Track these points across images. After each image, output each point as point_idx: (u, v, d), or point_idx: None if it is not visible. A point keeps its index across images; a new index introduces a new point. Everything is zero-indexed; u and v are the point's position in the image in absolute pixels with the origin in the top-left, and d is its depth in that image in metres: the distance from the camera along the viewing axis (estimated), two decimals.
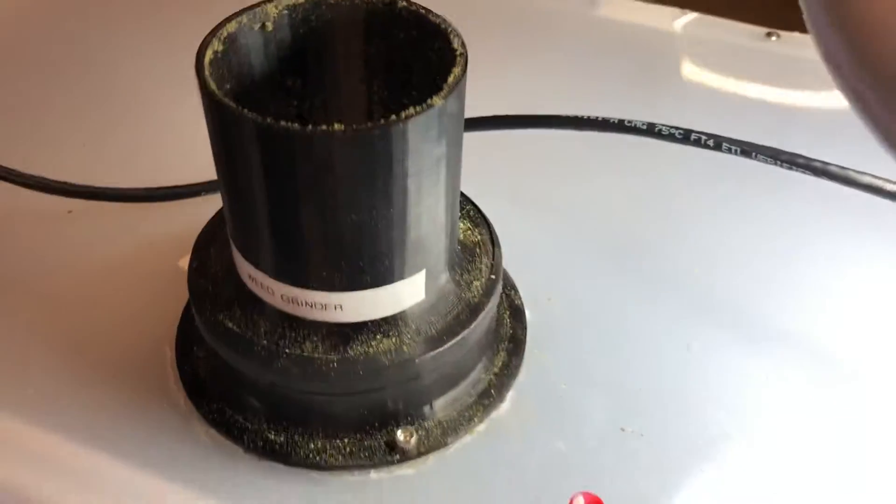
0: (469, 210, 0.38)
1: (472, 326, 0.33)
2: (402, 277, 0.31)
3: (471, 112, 0.32)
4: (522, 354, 0.38)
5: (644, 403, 0.36)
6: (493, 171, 0.46)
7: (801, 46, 0.58)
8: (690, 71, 0.58)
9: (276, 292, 0.31)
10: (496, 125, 0.45)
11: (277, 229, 0.29)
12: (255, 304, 0.32)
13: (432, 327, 0.32)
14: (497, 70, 0.55)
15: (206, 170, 0.37)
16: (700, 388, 0.37)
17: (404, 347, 0.32)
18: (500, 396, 0.36)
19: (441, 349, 0.32)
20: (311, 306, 0.31)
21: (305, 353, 0.31)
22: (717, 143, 0.39)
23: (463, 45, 0.29)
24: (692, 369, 0.37)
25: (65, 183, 0.43)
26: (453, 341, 0.32)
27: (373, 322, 0.32)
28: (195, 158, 0.40)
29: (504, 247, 0.36)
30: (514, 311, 0.40)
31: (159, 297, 0.39)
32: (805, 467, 0.34)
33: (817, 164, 0.37)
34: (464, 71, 0.28)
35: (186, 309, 0.39)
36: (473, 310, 0.33)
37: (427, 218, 0.30)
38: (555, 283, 0.41)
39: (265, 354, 0.31)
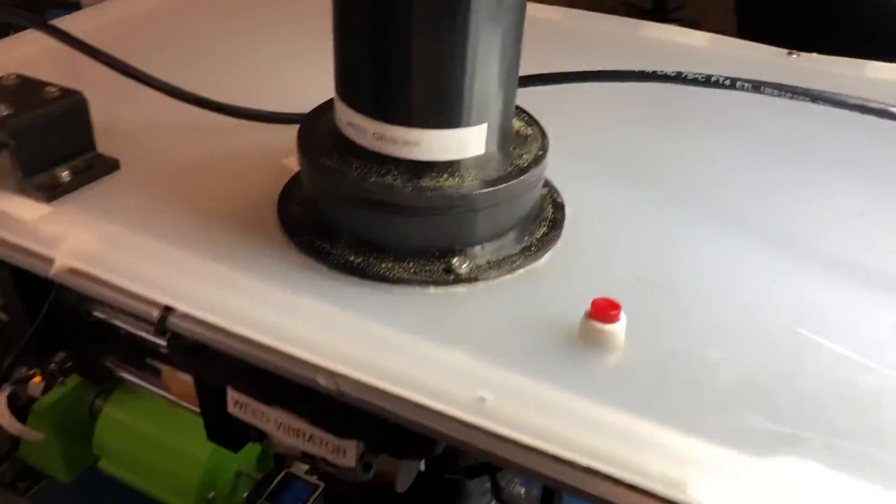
0: (525, 115, 0.46)
1: (521, 179, 0.41)
2: (468, 124, 0.39)
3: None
4: (560, 231, 0.45)
5: (658, 269, 0.43)
6: (554, 121, 0.54)
7: (818, 62, 0.67)
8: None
9: (369, 131, 0.40)
10: (555, 80, 0.55)
11: (374, 68, 0.38)
12: (349, 147, 0.41)
13: (488, 175, 0.41)
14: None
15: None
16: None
17: (464, 184, 0.40)
18: (538, 254, 0.43)
19: (493, 189, 0.40)
20: (394, 142, 0.39)
21: (387, 182, 0.40)
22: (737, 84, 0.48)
23: None
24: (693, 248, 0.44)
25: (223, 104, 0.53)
26: (503, 185, 0.40)
27: (441, 163, 0.40)
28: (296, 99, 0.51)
29: (555, 176, 0.45)
30: (557, 206, 0.47)
31: (268, 180, 0.49)
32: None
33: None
34: None
35: (285, 186, 0.48)
36: (522, 171, 0.42)
37: (490, 74, 0.38)
38: (592, 199, 0.49)
39: (355, 183, 0.40)
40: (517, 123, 0.45)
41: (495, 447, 0.34)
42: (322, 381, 0.37)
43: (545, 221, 0.46)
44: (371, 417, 0.37)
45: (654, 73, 0.51)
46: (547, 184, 0.49)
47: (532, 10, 0.41)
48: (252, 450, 0.69)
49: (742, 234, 0.47)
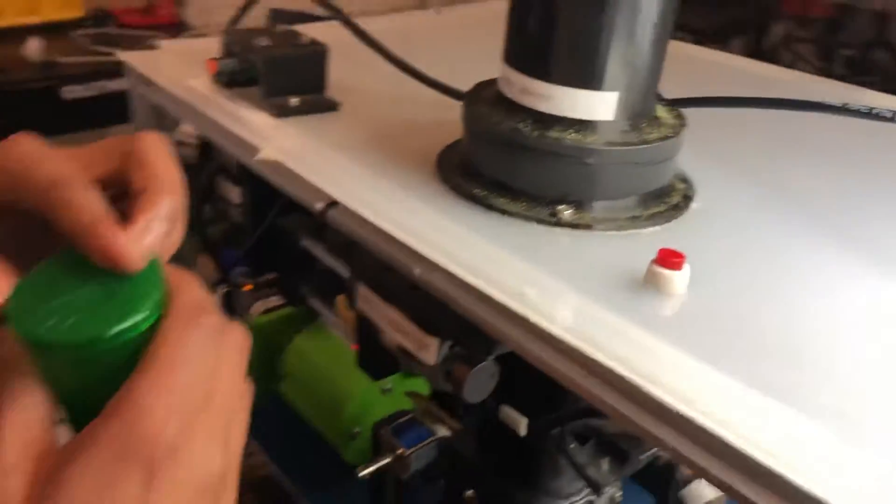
0: (674, 110, 0.51)
1: (637, 149, 0.45)
2: (598, 89, 0.45)
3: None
4: (678, 215, 0.48)
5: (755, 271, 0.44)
6: (705, 139, 0.58)
7: None
8: None
9: (515, 85, 0.47)
10: (709, 104, 0.58)
11: (527, 30, 0.45)
12: (500, 101, 0.48)
13: (608, 139, 0.45)
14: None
15: None
16: None
17: (584, 141, 0.45)
18: (645, 225, 0.47)
19: (606, 149, 0.45)
20: (531, 94, 0.46)
21: (518, 126, 0.46)
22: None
23: None
24: None
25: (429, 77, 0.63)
26: (616, 149, 0.45)
27: (570, 119, 0.46)
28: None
29: (696, 177, 0.49)
30: (685, 197, 0.50)
31: (446, 140, 0.57)
32: None
33: None
34: None
35: (451, 144, 0.56)
36: (642, 143, 0.46)
37: (628, 49, 0.44)
38: (720, 202, 0.52)
39: (493, 125, 0.47)
40: (661, 111, 0.49)
41: (558, 361, 0.38)
42: (417, 271, 0.44)
43: (667, 204, 0.49)
44: (454, 319, 0.43)
45: (818, 103, 0.52)
46: (685, 179, 0.52)
47: None
48: (398, 401, 0.76)
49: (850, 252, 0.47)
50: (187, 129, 0.74)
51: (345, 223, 0.49)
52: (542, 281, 0.41)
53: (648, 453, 0.61)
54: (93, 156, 0.30)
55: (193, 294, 0.28)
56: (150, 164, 0.29)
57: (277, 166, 0.53)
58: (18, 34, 2.18)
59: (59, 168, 0.28)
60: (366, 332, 0.60)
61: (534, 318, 0.38)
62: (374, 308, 0.51)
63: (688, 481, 0.61)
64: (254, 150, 0.54)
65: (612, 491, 0.61)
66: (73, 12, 2.40)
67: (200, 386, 0.26)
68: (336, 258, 0.67)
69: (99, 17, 2.45)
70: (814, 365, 0.37)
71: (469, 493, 0.64)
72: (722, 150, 0.60)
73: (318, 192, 0.50)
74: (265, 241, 0.73)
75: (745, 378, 0.35)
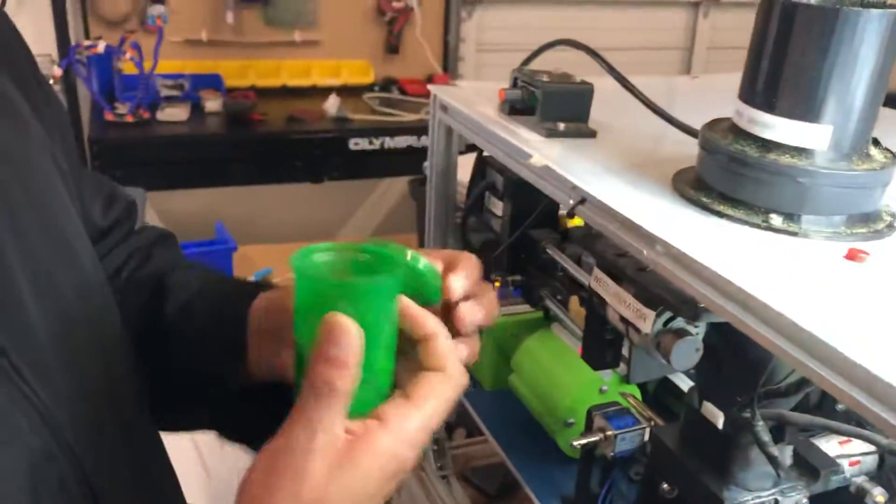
0: (888, 151, 0.59)
1: (839, 174, 0.54)
2: (814, 122, 0.55)
3: None
4: (879, 240, 0.56)
5: None
6: None
7: None
8: None
9: (745, 115, 0.58)
10: None
11: (759, 70, 0.56)
12: (732, 129, 0.59)
13: (820, 164, 0.55)
14: None
15: None
16: None
17: (800, 163, 0.55)
18: (846, 239, 0.55)
19: (814, 169, 0.54)
20: (756, 123, 0.57)
21: (743, 148, 0.57)
22: None
23: None
24: None
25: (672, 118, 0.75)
26: (823, 172, 0.54)
27: (788, 146, 0.56)
28: None
29: None
30: (889, 226, 0.58)
31: (671, 166, 0.68)
32: None
33: None
34: None
35: (680, 170, 0.67)
36: (847, 171, 0.55)
37: (844, 92, 0.53)
38: None
39: (723, 146, 0.58)
40: (874, 151, 0.58)
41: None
42: (646, 251, 0.56)
43: (870, 228, 0.57)
44: (671, 295, 0.55)
45: None
46: (891, 214, 0.59)
47: None
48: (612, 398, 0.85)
49: None
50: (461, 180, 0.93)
51: (592, 216, 0.62)
52: (750, 264, 0.51)
53: (839, 476, 0.67)
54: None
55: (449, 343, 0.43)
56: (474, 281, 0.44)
57: (544, 168, 0.67)
58: (322, 92, 2.57)
59: None
60: (592, 326, 0.73)
61: (748, 291, 0.48)
62: (604, 287, 0.63)
63: None
64: (526, 156, 0.69)
65: (799, 497, 0.67)
66: (366, 78, 2.78)
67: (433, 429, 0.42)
68: (573, 264, 0.79)
69: (386, 84, 2.81)
70: None
71: (665, 485, 0.72)
72: None
73: (575, 189, 0.64)
74: (517, 249, 0.87)
75: None
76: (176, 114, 2.43)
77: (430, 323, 0.43)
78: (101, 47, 2.46)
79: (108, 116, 2.31)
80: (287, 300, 0.49)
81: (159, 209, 2.28)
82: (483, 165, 0.90)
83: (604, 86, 0.77)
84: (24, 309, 0.43)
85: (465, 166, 0.95)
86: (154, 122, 2.40)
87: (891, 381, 0.41)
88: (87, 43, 2.38)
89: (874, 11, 0.51)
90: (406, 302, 0.43)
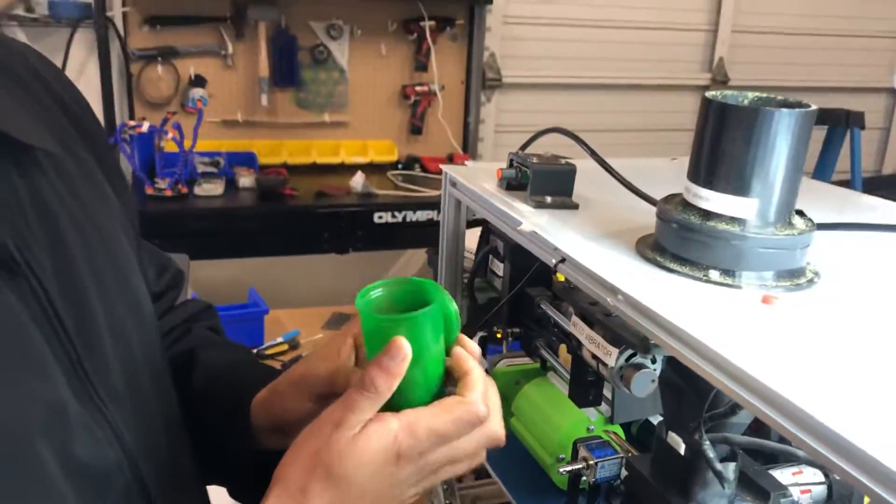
0: (809, 221, 0.72)
1: (767, 238, 0.67)
2: (743, 196, 0.68)
3: None
4: (800, 291, 0.69)
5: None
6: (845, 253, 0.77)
7: None
8: None
9: (690, 190, 0.72)
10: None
11: (700, 155, 0.70)
12: (680, 201, 0.73)
13: (747, 230, 0.68)
14: None
15: None
16: None
17: (733, 229, 0.68)
18: (771, 290, 0.68)
19: (749, 234, 0.68)
20: (698, 197, 0.70)
21: (688, 217, 0.70)
22: None
23: None
24: None
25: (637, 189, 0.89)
26: (755, 235, 0.67)
27: (723, 215, 0.69)
28: None
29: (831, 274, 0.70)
30: (809, 281, 0.71)
31: (637, 233, 0.82)
32: None
33: None
34: None
35: (643, 236, 0.80)
36: (770, 235, 0.68)
37: (767, 174, 0.67)
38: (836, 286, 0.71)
39: (671, 215, 0.72)
40: (797, 219, 0.71)
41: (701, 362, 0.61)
42: (610, 300, 0.69)
43: (793, 282, 0.70)
44: (631, 335, 0.68)
45: None
46: (817, 272, 0.72)
47: None
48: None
49: None
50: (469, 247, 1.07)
51: (570, 272, 0.75)
52: (691, 310, 0.64)
53: (788, 499, 0.78)
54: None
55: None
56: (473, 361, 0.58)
57: (532, 234, 0.81)
58: (349, 169, 2.76)
59: None
60: (576, 368, 0.85)
61: (688, 332, 0.61)
62: (580, 331, 0.76)
63: None
64: (518, 224, 0.83)
65: None
66: (390, 156, 2.97)
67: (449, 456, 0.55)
68: (560, 313, 0.92)
69: (409, 162, 2.99)
70: None
71: None
72: (855, 264, 0.79)
73: (556, 251, 0.78)
74: (515, 305, 1.00)
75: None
76: (212, 189, 2.61)
77: (469, 362, 0.56)
78: (145, 127, 2.67)
79: (149, 191, 2.49)
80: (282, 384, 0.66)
81: (196, 276, 2.44)
82: (487, 233, 1.04)
83: (593, 165, 0.92)
84: (104, 352, 0.55)
85: (471, 238, 1.09)
86: (191, 197, 2.58)
87: (790, 398, 0.53)
88: (132, 123, 2.59)
89: (785, 111, 0.66)
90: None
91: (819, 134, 2.53)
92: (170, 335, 0.75)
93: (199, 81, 2.88)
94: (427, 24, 2.98)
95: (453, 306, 0.57)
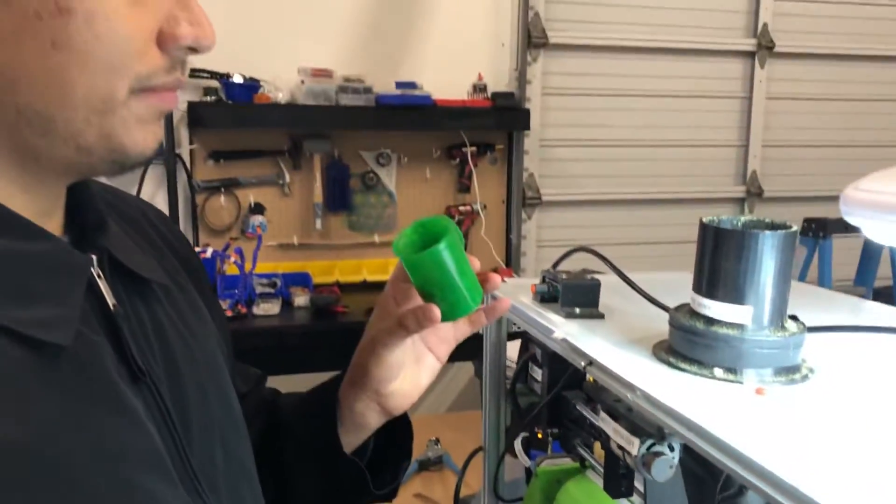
0: (800, 323, 0.83)
1: (761, 339, 0.79)
2: (738, 303, 0.80)
3: None
4: (793, 385, 0.80)
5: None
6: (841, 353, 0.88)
7: None
8: None
9: (696, 300, 0.84)
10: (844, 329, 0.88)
11: (701, 269, 0.83)
12: (689, 310, 0.85)
13: (744, 334, 0.80)
14: None
15: None
16: None
17: (732, 333, 0.80)
18: (770, 384, 0.79)
19: (746, 337, 0.79)
20: (700, 305, 0.82)
21: (694, 323, 0.82)
22: None
23: None
24: None
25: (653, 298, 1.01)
26: (751, 338, 0.79)
27: (724, 321, 0.81)
28: None
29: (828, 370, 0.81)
30: (804, 377, 0.81)
31: (656, 339, 0.93)
32: None
33: None
34: None
35: (658, 341, 0.92)
36: (763, 337, 0.79)
37: (758, 284, 0.79)
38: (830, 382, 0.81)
39: (680, 321, 0.84)
40: (790, 323, 0.82)
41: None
42: (630, 396, 0.80)
43: (788, 378, 0.80)
44: (652, 427, 0.79)
45: None
46: (812, 369, 0.83)
47: None
48: None
49: None
50: (510, 356, 1.20)
51: (597, 373, 0.87)
52: (699, 402, 0.76)
53: None
54: None
55: None
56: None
57: (563, 341, 0.93)
58: (378, 287, 2.91)
59: None
60: (608, 461, 0.96)
61: (696, 422, 0.72)
62: (607, 425, 0.87)
63: None
64: (551, 332, 0.96)
65: None
66: None
67: None
68: (592, 412, 1.03)
69: None
70: None
71: None
72: (847, 361, 0.89)
73: (584, 356, 0.90)
74: (554, 407, 1.11)
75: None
76: (269, 308, 2.78)
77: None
78: (209, 253, 2.88)
79: None
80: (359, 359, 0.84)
81: None
82: (526, 342, 1.16)
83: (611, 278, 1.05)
84: (206, 454, 0.68)
85: (512, 348, 1.22)
86: (250, 316, 2.75)
87: (787, 479, 0.63)
88: (196, 249, 2.79)
89: (769, 232, 0.78)
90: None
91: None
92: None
93: (258, 209, 3.10)
94: (469, 150, 3.19)
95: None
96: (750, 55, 3.67)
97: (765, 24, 3.64)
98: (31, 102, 0.56)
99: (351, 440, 0.85)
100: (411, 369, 0.84)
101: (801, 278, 2.94)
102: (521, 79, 3.28)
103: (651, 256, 3.49)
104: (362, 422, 0.84)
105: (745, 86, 3.70)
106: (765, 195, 3.75)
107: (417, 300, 0.80)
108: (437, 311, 0.75)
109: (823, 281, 2.85)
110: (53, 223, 0.64)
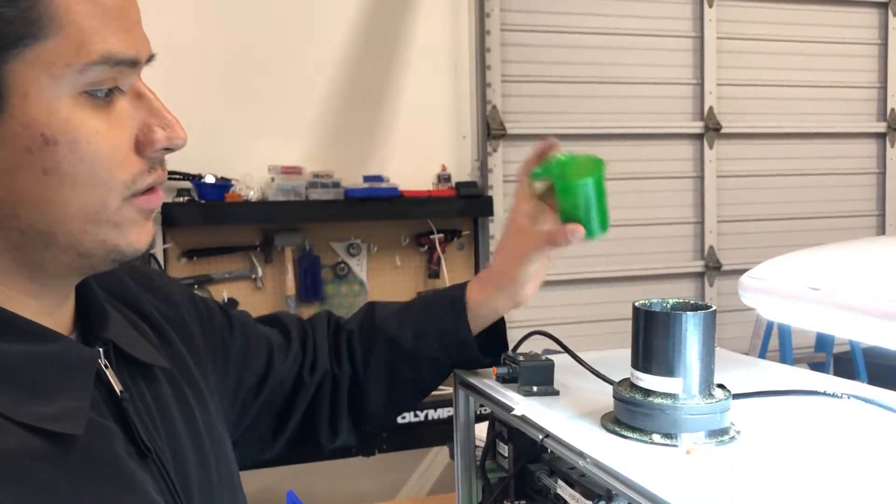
0: (726, 390, 0.94)
1: (689, 406, 0.90)
2: (671, 377, 0.91)
3: None
4: (722, 446, 0.90)
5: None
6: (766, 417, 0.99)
7: None
8: None
9: (634, 375, 0.95)
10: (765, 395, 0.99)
11: (636, 346, 0.94)
12: (629, 385, 0.96)
13: (676, 402, 0.91)
14: None
15: None
16: None
17: (666, 402, 0.91)
18: (701, 446, 0.89)
19: (676, 404, 0.90)
20: (637, 378, 0.93)
21: (632, 395, 0.93)
22: None
23: None
24: None
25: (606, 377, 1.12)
26: (680, 404, 0.90)
27: (658, 392, 0.92)
28: None
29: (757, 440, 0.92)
30: (731, 438, 0.92)
31: (605, 410, 1.04)
32: None
33: None
34: None
35: (606, 412, 1.02)
36: (694, 405, 0.90)
37: (683, 357, 0.90)
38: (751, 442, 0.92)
39: (620, 393, 0.94)
40: (717, 391, 0.94)
41: None
42: (581, 462, 0.90)
43: (717, 439, 0.91)
44: (602, 490, 0.89)
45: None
46: (738, 430, 0.93)
47: None
48: None
49: None
50: (479, 436, 1.29)
51: (553, 445, 0.97)
52: (641, 465, 0.86)
53: None
54: None
55: None
56: None
57: (523, 417, 1.03)
58: None
59: None
60: None
61: (637, 482, 0.83)
62: (564, 490, 0.97)
63: None
64: (511, 409, 1.06)
65: None
66: None
67: None
68: (552, 481, 1.12)
69: None
70: None
71: None
72: (771, 422, 1.00)
73: (541, 429, 1.00)
74: (520, 481, 1.20)
75: None
76: None
77: None
78: None
79: None
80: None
81: None
82: (493, 421, 1.26)
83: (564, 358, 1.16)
84: None
85: (481, 429, 1.31)
86: None
87: None
88: None
89: (691, 313, 0.90)
90: None
91: None
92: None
93: (231, 304, 3.18)
94: (436, 237, 3.32)
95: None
96: (699, 137, 3.88)
97: (710, 108, 3.86)
98: (33, 224, 0.66)
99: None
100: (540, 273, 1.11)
101: (762, 354, 3.10)
102: (483, 168, 3.45)
103: (617, 332, 3.61)
104: (493, 316, 1.15)
105: (697, 166, 3.90)
106: (723, 268, 3.91)
107: (551, 220, 1.02)
108: (583, 231, 0.97)
109: (785, 352, 3.00)
110: (65, 317, 0.74)
